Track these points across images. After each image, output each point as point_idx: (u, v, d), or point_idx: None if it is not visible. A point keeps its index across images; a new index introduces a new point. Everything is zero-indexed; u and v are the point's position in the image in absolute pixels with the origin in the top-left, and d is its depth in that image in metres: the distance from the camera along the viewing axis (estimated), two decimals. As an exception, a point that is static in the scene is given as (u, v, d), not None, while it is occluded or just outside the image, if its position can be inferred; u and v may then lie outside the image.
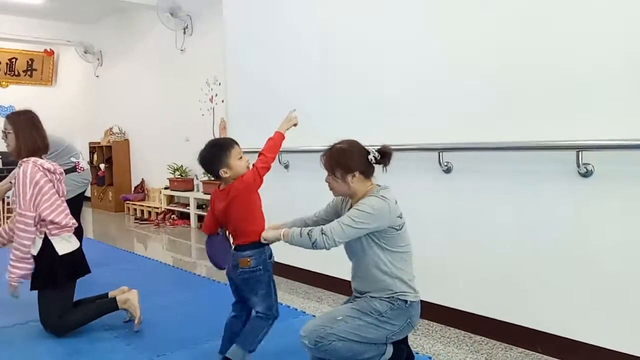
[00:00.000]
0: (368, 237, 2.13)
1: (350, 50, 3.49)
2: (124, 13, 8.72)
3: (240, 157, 2.32)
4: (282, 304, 3.43)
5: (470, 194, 2.84)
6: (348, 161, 2.17)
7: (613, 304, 2.34)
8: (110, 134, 9.10)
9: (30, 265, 2.78)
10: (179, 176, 7.32)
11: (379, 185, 2.21)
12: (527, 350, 2.63)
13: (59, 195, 2.88)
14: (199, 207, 7.03)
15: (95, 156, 9.42)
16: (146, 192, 8.51)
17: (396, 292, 2.12)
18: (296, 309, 3.34)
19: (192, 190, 7.20)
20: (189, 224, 7.04)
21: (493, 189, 2.75)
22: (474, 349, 2.68)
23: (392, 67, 3.21)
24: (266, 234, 2.30)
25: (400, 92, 3.16)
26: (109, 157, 9.04)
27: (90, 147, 9.58)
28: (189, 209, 7.09)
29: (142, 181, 8.64)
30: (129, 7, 8.29)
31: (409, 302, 2.12)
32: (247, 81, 4.47)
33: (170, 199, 7.61)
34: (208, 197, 6.54)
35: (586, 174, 2.36)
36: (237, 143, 2.35)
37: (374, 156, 2.16)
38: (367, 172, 2.19)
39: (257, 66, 4.32)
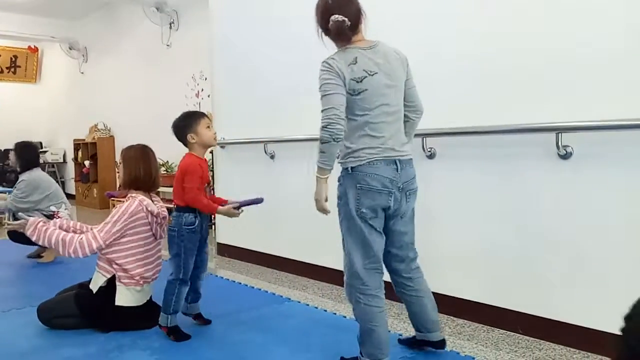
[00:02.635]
0: None
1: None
2: (109, 8, 8.68)
3: (208, 127, 2.57)
4: (267, 292, 3.46)
5: (453, 179, 2.88)
6: (318, 15, 2.14)
7: (593, 284, 2.39)
8: (95, 131, 9.03)
9: (42, 243, 2.67)
10: (165, 172, 7.28)
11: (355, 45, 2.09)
12: (509, 332, 2.66)
13: (155, 237, 2.76)
14: (184, 202, 6.99)
15: (80, 153, 9.34)
16: (131, 188, 8.45)
17: (342, 159, 2.08)
18: (281, 296, 3.36)
19: (177, 185, 7.17)
20: (175, 220, 7.01)
21: (475, 173, 2.79)
22: (457, 332, 2.72)
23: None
24: None
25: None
26: (93, 153, 8.97)
27: (74, 143, 9.50)
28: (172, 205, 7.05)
29: (128, 178, 8.59)
30: (114, 2, 8.26)
31: (350, 169, 2.05)
32: (233, 76, 4.48)
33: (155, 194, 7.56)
34: (194, 192, 6.52)
35: (566, 156, 2.41)
36: (207, 116, 2.61)
37: (334, 20, 2.05)
38: (334, 35, 2.10)
39: (243, 60, 4.34)
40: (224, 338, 2.63)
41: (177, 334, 2.59)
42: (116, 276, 2.67)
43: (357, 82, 2.01)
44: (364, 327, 2.12)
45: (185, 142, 2.58)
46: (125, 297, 2.68)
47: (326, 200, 2.08)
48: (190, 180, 2.51)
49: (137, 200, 2.68)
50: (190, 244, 2.56)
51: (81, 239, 2.60)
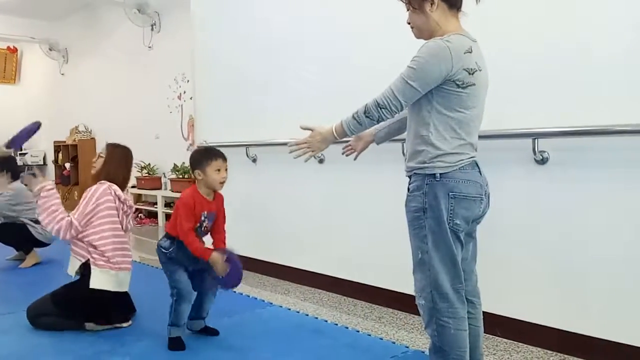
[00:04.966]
0: (427, 95, 1.79)
1: (319, 43, 3.53)
2: (90, 9, 8.59)
3: (218, 171, 2.52)
4: (249, 296, 3.46)
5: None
6: None
7: (569, 287, 2.43)
8: (76, 133, 8.94)
9: (40, 204, 2.68)
10: (147, 174, 7.24)
11: (465, 32, 1.83)
12: (487, 334, 2.69)
13: (121, 227, 2.81)
14: (166, 205, 6.96)
15: (60, 155, 9.24)
16: (113, 191, 8.37)
17: (425, 163, 1.81)
18: (263, 301, 3.36)
19: (159, 188, 7.12)
20: (157, 223, 6.97)
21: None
22: (437, 335, 2.74)
23: (363, 55, 3.26)
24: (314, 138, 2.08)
25: (368, 79, 3.21)
26: (74, 156, 8.88)
27: (55, 146, 9.39)
28: (156, 208, 7.01)
29: (109, 180, 8.51)
30: (95, 4, 8.19)
31: (438, 175, 1.80)
32: (215, 78, 4.47)
33: (138, 198, 7.51)
34: (176, 195, 6.48)
35: (542, 161, 2.45)
36: (222, 158, 2.54)
37: None
38: (450, 0, 1.81)
39: (225, 63, 4.33)
40: (205, 344, 2.62)
41: (171, 344, 2.57)
42: (91, 260, 2.70)
43: (469, 73, 1.75)
44: (451, 355, 1.83)
45: (194, 175, 2.58)
46: (99, 280, 2.70)
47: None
48: (181, 217, 2.48)
49: (105, 185, 2.77)
50: (169, 266, 2.58)
51: (65, 221, 2.66)
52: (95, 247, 2.71)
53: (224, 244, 2.66)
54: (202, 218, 2.55)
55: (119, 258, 2.76)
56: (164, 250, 2.57)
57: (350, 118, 1.88)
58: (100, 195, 2.73)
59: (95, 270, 2.70)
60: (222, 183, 2.55)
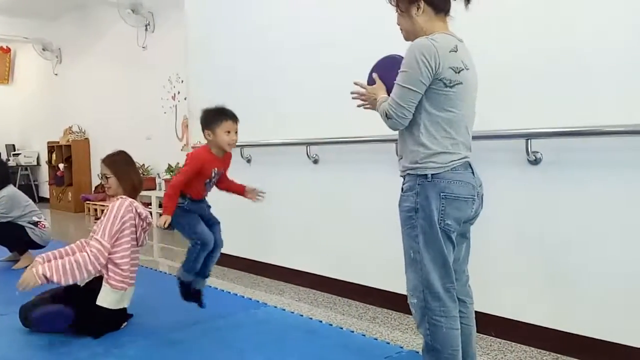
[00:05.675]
0: None
1: (315, 44, 3.53)
2: (84, 9, 8.55)
3: (228, 132, 2.55)
4: (243, 297, 3.46)
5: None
6: None
7: (562, 287, 2.44)
8: (70, 133, 8.90)
9: (63, 282, 2.54)
10: (142, 175, 7.21)
11: (451, 32, 1.85)
12: (482, 335, 2.70)
13: (137, 243, 2.79)
14: (160, 206, 6.92)
15: (54, 156, 9.19)
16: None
17: (417, 163, 1.82)
18: (258, 301, 3.35)
19: (154, 189, 7.10)
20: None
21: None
22: (431, 335, 2.74)
23: (360, 56, 3.25)
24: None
25: (365, 80, 3.21)
26: (68, 156, 8.84)
27: (48, 146, 9.34)
28: (150, 208, 6.98)
29: (103, 181, 8.48)
30: (88, 4, 8.16)
31: (430, 175, 1.81)
32: (209, 78, 4.46)
33: (132, 198, 7.49)
34: (170, 195, 6.46)
35: (535, 162, 2.46)
36: (233, 119, 2.56)
37: None
38: (437, 5, 1.84)
39: (219, 63, 4.32)
40: (199, 345, 2.61)
41: (182, 288, 2.78)
42: (105, 276, 2.67)
43: (455, 72, 1.77)
44: (444, 354, 1.84)
45: (203, 135, 2.61)
46: (108, 298, 2.67)
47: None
48: (182, 170, 2.64)
49: (127, 201, 2.74)
50: (187, 219, 2.68)
51: (91, 250, 2.60)
52: (116, 264, 2.67)
53: (236, 185, 2.91)
54: (213, 174, 2.68)
55: (132, 274, 2.77)
56: (179, 205, 2.64)
57: (382, 108, 1.86)
58: (125, 212, 2.69)
59: (106, 287, 2.66)
60: (232, 145, 2.60)
